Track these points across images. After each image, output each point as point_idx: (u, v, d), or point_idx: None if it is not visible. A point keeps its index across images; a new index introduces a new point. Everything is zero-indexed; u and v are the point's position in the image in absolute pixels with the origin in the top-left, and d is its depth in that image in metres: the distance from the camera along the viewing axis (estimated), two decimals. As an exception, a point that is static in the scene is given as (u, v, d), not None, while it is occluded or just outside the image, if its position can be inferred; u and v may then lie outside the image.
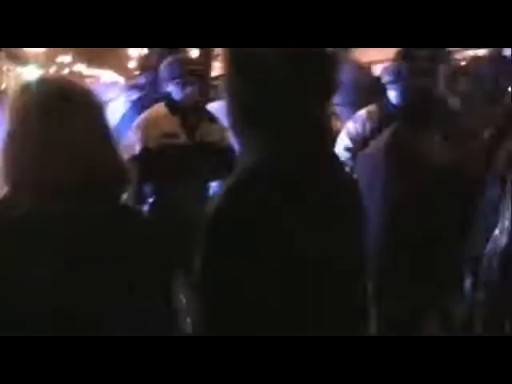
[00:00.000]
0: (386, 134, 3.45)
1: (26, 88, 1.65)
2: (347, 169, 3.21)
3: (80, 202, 1.52)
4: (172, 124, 3.95)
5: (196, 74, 4.00)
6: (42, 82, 1.72)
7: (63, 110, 1.58)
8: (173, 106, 3.99)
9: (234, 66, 1.54)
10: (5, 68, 7.85)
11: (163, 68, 4.14)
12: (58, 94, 1.62)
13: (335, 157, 1.70)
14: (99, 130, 1.63)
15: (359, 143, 4.20)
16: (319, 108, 1.56)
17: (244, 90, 1.50)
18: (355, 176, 3.02)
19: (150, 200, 3.94)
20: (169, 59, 4.17)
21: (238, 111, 1.52)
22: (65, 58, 66.89)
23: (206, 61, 5.12)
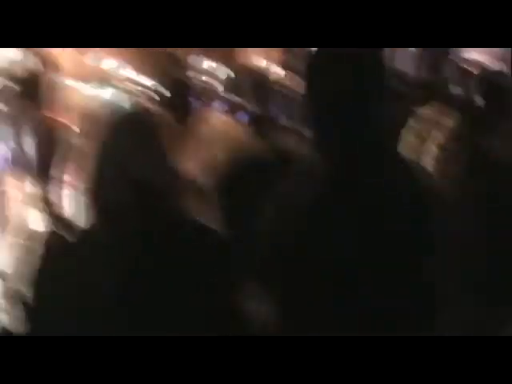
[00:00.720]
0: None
1: (100, 112, 1.78)
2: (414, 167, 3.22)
3: (145, 222, 1.61)
4: (246, 137, 3.93)
5: (269, 87, 4.07)
6: (113, 106, 1.81)
7: (124, 132, 1.68)
8: (246, 119, 4.05)
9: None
10: (69, 85, 8.06)
11: (235, 81, 4.30)
12: (124, 118, 1.74)
13: (399, 157, 1.74)
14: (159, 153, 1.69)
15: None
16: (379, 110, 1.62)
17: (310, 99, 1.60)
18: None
19: (225, 214, 3.96)
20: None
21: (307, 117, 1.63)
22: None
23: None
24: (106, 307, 1.56)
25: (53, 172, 4.47)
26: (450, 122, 3.57)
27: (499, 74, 3.95)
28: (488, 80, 3.61)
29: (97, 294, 1.55)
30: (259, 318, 1.63)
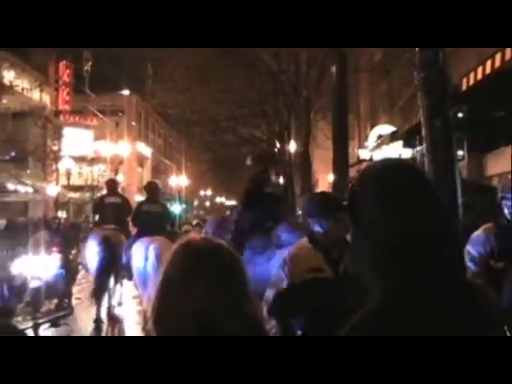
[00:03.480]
0: None
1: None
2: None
3: None
4: (316, 259, 4.00)
5: (344, 210, 3.88)
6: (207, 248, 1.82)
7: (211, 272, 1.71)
8: (316, 241, 4.06)
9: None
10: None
11: (310, 204, 4.28)
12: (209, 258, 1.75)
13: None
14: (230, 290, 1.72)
15: (482, 265, 4.25)
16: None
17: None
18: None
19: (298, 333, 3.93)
20: (313, 197, 4.39)
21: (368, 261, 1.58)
22: (207, 191, 71.99)
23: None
24: None
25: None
26: None
27: None
28: None
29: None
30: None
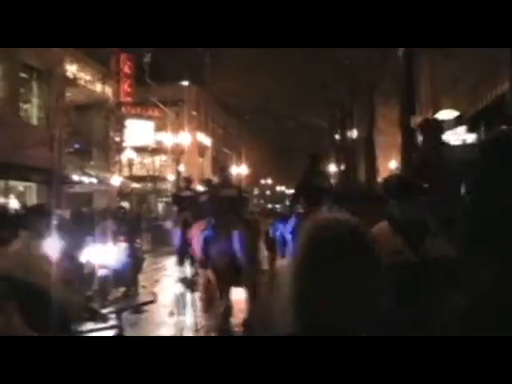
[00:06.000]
0: None
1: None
2: None
3: None
4: (396, 242, 3.94)
5: (421, 191, 3.97)
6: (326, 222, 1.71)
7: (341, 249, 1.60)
8: (396, 224, 4.02)
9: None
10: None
11: (387, 187, 4.25)
12: (342, 234, 1.63)
13: None
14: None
15: None
16: None
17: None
18: None
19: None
20: (390, 180, 4.33)
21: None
22: (268, 180, 72.27)
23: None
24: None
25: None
26: None
27: None
28: None
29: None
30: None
